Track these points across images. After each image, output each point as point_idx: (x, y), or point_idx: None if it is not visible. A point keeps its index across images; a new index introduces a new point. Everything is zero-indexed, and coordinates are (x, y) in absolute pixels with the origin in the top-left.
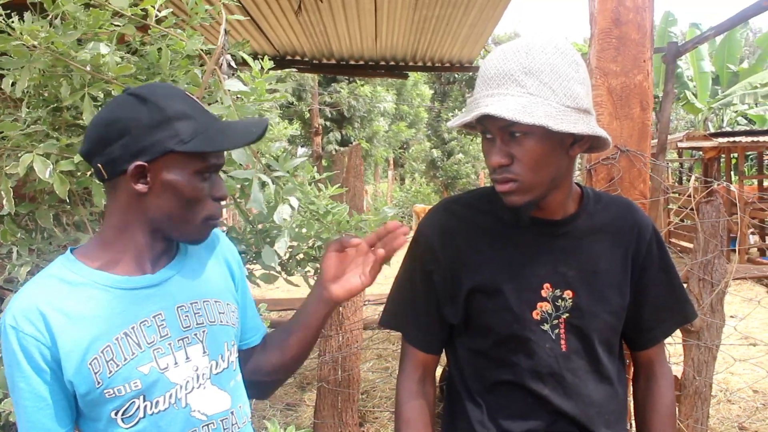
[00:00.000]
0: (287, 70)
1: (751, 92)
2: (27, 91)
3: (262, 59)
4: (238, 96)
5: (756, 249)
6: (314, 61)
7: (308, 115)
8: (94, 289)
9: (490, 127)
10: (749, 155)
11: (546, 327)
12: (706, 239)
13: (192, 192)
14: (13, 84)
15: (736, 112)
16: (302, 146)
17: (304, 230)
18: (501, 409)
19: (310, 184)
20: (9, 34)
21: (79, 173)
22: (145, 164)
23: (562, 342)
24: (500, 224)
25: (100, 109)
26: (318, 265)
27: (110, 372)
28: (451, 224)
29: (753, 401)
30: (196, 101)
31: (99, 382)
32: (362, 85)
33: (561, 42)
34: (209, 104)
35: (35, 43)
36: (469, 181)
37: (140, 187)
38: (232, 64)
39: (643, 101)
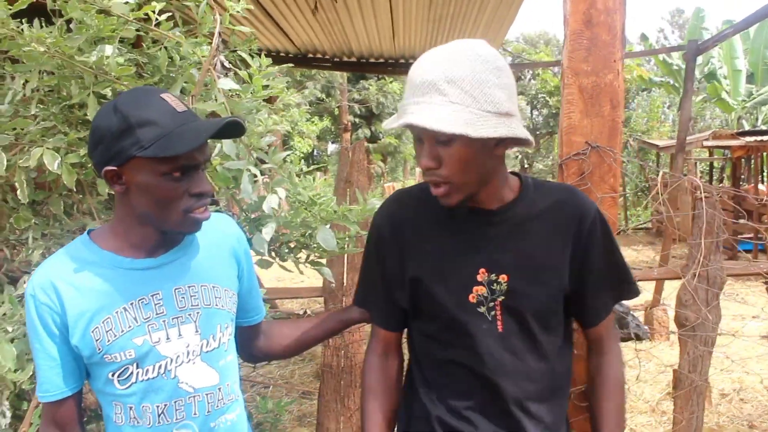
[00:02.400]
0: (284, 65)
1: None
2: (38, 90)
3: (285, 56)
4: (236, 93)
5: None
6: (335, 59)
7: (337, 111)
8: (102, 268)
9: (418, 133)
10: None
11: (482, 309)
12: (703, 239)
13: (163, 192)
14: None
15: None
16: (332, 142)
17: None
18: (446, 387)
19: (299, 176)
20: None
21: (88, 165)
22: (116, 168)
23: (498, 323)
24: (444, 215)
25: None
26: (309, 252)
27: (108, 340)
28: (400, 214)
29: (766, 400)
30: (168, 104)
31: (99, 348)
32: (391, 82)
33: (483, 48)
34: (206, 101)
35: (42, 49)
36: None
37: (118, 188)
38: (226, 64)
39: (613, 100)
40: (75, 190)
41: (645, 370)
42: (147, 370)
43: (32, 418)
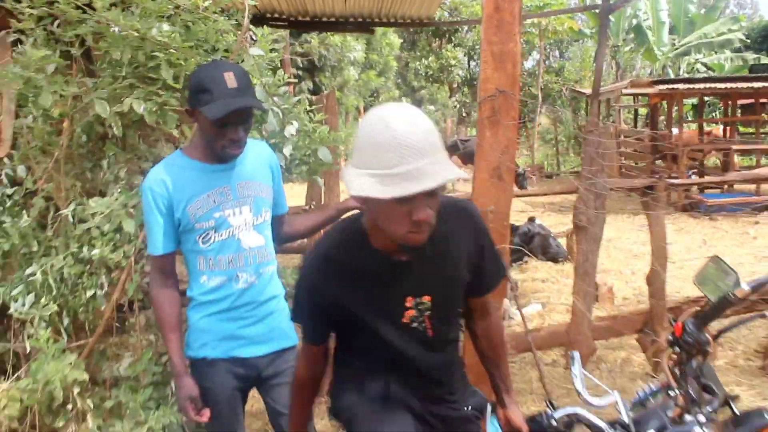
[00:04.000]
0: (281, 31)
1: (706, 42)
2: (123, 60)
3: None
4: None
5: (696, 187)
6: (291, 19)
7: (280, 65)
8: (192, 170)
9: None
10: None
11: (415, 324)
12: (592, 161)
13: (208, 133)
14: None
15: (695, 60)
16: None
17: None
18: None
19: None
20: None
21: (156, 109)
22: (190, 109)
23: (429, 330)
24: (367, 258)
25: (175, 69)
26: (307, 168)
27: (199, 214)
28: (327, 274)
29: None
30: (224, 80)
31: (193, 219)
32: (332, 35)
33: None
34: (239, 62)
35: (135, 33)
36: (438, 128)
37: (193, 119)
38: (254, 36)
39: (513, 61)
40: (153, 127)
41: (564, 284)
42: (222, 234)
43: (126, 285)
